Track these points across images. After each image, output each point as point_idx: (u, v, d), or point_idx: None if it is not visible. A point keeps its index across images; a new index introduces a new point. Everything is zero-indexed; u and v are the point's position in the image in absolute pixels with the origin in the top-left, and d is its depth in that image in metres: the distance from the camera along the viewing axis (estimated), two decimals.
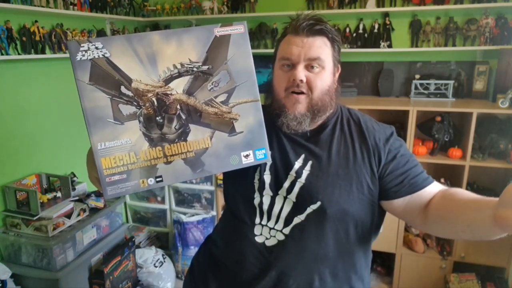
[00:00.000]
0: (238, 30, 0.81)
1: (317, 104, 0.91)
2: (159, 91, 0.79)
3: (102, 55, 0.76)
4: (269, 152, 0.86)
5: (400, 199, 0.91)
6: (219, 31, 0.80)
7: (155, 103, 0.79)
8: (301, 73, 0.89)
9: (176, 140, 0.81)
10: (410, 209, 0.91)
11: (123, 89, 0.77)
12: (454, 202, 0.81)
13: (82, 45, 0.75)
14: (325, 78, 0.92)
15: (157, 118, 0.79)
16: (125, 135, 0.78)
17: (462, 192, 0.83)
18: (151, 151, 0.80)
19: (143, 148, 0.79)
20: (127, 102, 0.78)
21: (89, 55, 0.75)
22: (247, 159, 0.84)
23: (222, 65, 0.81)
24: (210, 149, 0.82)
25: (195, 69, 0.80)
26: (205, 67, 0.80)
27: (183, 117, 0.81)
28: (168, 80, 0.79)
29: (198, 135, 0.81)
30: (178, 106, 0.80)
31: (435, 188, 0.91)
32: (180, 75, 0.79)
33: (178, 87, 0.80)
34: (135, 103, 0.78)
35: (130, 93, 0.78)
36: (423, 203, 0.89)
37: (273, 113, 0.95)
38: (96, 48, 0.75)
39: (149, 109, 0.79)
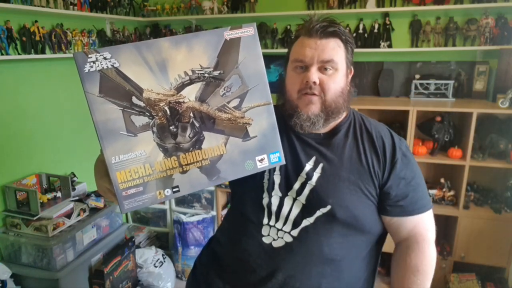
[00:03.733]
0: (248, 33, 0.80)
1: (330, 105, 0.91)
2: (171, 99, 0.77)
3: (111, 65, 0.73)
4: (283, 155, 0.85)
5: (388, 217, 0.95)
6: (229, 34, 0.78)
7: (168, 112, 0.77)
8: (314, 75, 0.89)
9: (191, 148, 0.80)
10: (390, 229, 0.98)
11: (134, 99, 0.75)
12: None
13: (89, 56, 0.72)
14: (338, 80, 0.91)
15: (171, 127, 0.78)
16: (139, 146, 0.77)
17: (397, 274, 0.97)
18: (166, 161, 0.78)
19: (158, 159, 0.78)
20: (139, 113, 0.76)
21: (98, 66, 0.72)
22: (262, 163, 0.83)
23: (234, 69, 0.79)
24: (225, 155, 0.81)
25: (206, 75, 0.78)
26: (216, 73, 0.79)
27: (197, 124, 0.79)
28: (180, 87, 0.77)
29: (212, 142, 0.80)
30: (191, 114, 0.79)
31: (415, 221, 0.95)
32: (191, 82, 0.77)
33: (190, 94, 0.78)
34: (148, 114, 0.76)
35: (142, 104, 0.76)
36: (399, 232, 0.96)
37: (285, 113, 0.94)
38: (104, 58, 0.73)
39: (162, 118, 0.77)
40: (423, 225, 0.95)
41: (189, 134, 0.79)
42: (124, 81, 0.74)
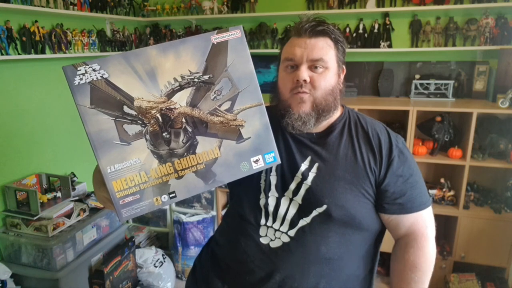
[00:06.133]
0: (235, 35, 0.80)
1: (321, 103, 0.91)
2: (163, 106, 0.77)
3: (101, 76, 0.74)
4: (278, 155, 0.85)
5: (386, 215, 0.95)
6: (216, 38, 0.79)
7: (160, 119, 0.78)
8: (304, 73, 0.89)
9: (185, 153, 0.80)
10: (388, 226, 0.98)
11: (126, 108, 0.76)
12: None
13: (78, 68, 0.73)
14: (328, 78, 0.91)
15: (164, 134, 0.79)
16: (133, 155, 0.77)
17: (397, 268, 0.97)
18: (161, 168, 0.79)
19: (153, 166, 0.79)
20: (132, 122, 0.77)
21: (87, 78, 0.74)
22: (257, 164, 0.84)
23: (223, 72, 0.80)
24: (220, 158, 0.81)
25: (196, 79, 0.79)
26: (206, 77, 0.79)
27: (190, 130, 0.80)
28: (170, 94, 0.78)
29: (206, 146, 0.81)
30: (183, 120, 0.79)
31: (413, 219, 0.94)
32: (181, 87, 0.78)
33: (181, 100, 0.78)
34: (140, 122, 0.77)
35: (133, 112, 0.76)
36: (398, 229, 0.96)
37: (278, 114, 0.94)
38: (94, 70, 0.74)
39: (155, 126, 0.78)
40: (422, 222, 0.95)
41: (183, 140, 0.80)
42: (115, 91, 0.75)
